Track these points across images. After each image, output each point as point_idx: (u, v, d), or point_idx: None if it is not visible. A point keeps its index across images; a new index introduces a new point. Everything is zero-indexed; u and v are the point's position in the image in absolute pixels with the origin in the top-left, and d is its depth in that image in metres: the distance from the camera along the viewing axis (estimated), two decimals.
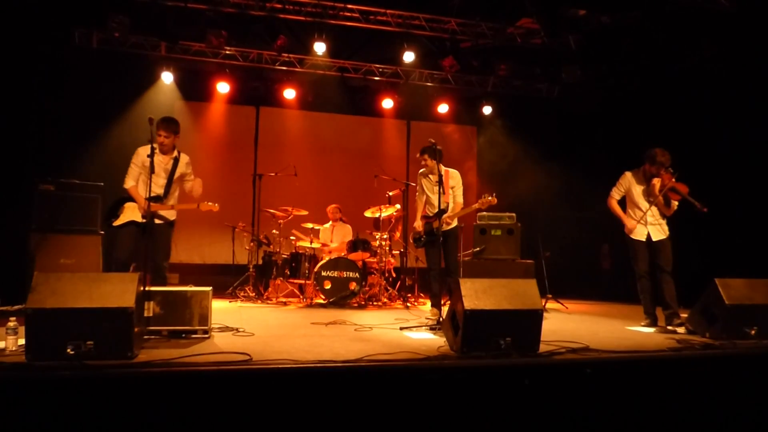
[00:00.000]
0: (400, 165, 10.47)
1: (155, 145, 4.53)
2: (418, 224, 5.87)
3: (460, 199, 5.66)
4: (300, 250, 7.53)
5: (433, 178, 5.55)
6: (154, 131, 4.71)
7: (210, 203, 5.10)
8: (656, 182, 5.16)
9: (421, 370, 3.23)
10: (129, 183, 5.00)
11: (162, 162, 4.95)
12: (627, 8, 7.43)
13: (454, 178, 5.71)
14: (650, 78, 8.20)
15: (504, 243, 7.09)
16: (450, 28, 8.42)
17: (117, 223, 4.91)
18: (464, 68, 8.80)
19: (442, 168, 5.45)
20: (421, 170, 5.76)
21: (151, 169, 4.34)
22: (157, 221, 4.91)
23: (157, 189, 4.85)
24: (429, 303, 5.95)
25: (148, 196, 4.45)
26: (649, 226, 5.23)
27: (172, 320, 3.99)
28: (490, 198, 5.40)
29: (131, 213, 4.93)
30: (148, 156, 4.34)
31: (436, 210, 5.30)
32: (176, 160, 5.03)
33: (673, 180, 5.07)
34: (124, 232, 4.89)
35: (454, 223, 5.72)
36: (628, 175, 5.39)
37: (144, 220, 4.68)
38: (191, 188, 5.18)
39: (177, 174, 5.03)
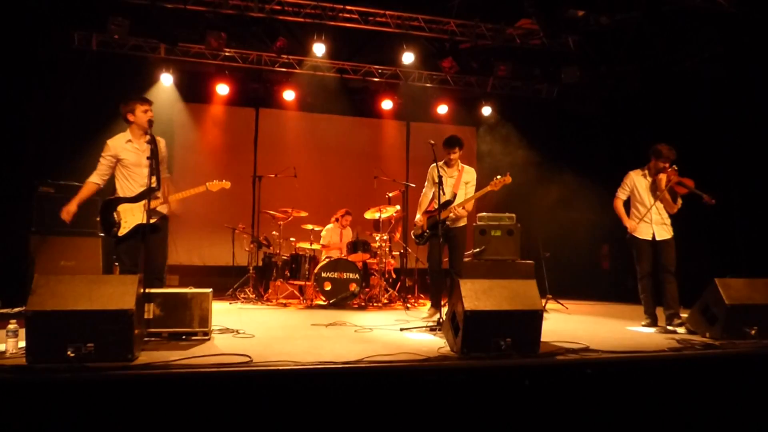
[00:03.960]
0: (400, 166, 10.48)
1: (153, 143, 4.28)
2: (420, 219, 5.81)
3: (472, 194, 5.69)
4: (300, 251, 7.53)
5: (449, 171, 5.59)
6: (140, 108, 4.42)
7: (218, 181, 4.78)
8: (662, 177, 5.17)
9: (422, 371, 3.23)
10: (92, 178, 4.52)
11: (142, 150, 4.47)
12: (626, 9, 7.43)
13: (469, 173, 5.76)
14: (650, 79, 8.19)
15: (504, 243, 7.08)
16: (449, 29, 8.42)
17: (123, 232, 4.44)
18: (463, 69, 8.81)
19: (460, 164, 5.68)
20: (433, 165, 5.41)
21: (152, 160, 4.12)
22: (154, 219, 4.46)
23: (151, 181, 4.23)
24: (429, 303, 5.93)
25: (149, 186, 4.18)
26: (654, 225, 5.22)
27: (173, 322, 3.99)
28: (502, 178, 5.44)
29: (132, 217, 4.46)
30: (148, 142, 4.17)
31: (442, 201, 5.21)
32: (155, 143, 4.39)
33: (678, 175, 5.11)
34: (130, 244, 4.41)
35: (464, 222, 5.71)
36: (632, 173, 5.42)
37: (151, 220, 4.26)
38: (168, 187, 4.62)
39: (160, 158, 4.49)
